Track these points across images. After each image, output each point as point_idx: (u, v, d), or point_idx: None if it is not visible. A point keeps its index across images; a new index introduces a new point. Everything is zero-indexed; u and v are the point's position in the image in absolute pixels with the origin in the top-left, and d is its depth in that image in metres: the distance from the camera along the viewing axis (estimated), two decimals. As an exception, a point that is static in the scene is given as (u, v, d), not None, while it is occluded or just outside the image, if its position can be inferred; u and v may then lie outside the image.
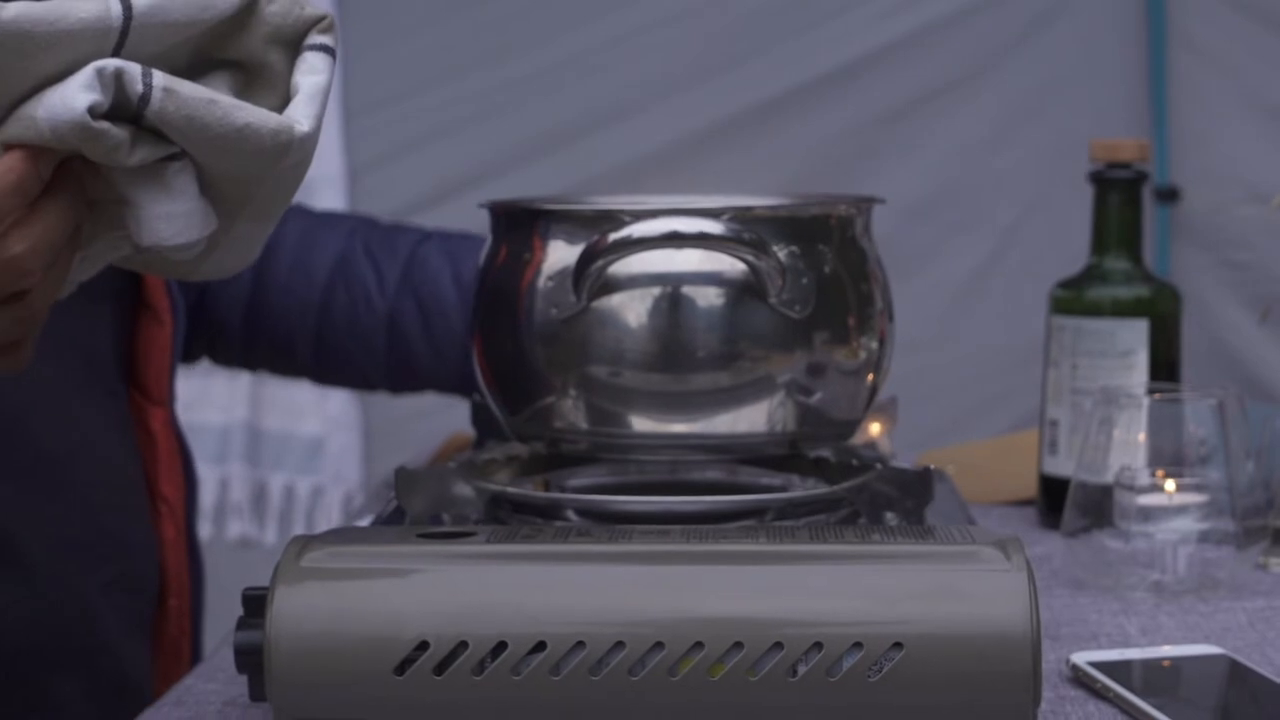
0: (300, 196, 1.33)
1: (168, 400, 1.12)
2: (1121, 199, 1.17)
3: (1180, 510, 1.00)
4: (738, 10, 2.40)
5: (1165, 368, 1.15)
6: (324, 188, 2.45)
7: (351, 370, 1.27)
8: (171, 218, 0.70)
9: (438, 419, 1.73)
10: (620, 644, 0.69)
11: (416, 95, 2.37)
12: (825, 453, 0.94)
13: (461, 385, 1.23)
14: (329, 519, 2.47)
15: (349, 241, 1.24)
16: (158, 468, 1.10)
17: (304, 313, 1.23)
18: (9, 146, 0.67)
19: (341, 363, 1.26)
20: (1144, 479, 1.00)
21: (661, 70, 2.40)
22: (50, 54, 0.66)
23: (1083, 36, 2.41)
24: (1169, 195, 2.34)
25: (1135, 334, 1.14)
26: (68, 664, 1.03)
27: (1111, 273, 1.17)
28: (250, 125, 0.68)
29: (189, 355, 1.26)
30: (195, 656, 1.15)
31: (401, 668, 0.69)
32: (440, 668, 0.69)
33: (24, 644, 0.99)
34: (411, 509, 0.89)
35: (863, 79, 2.42)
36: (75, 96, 0.66)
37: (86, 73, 0.66)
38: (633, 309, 0.84)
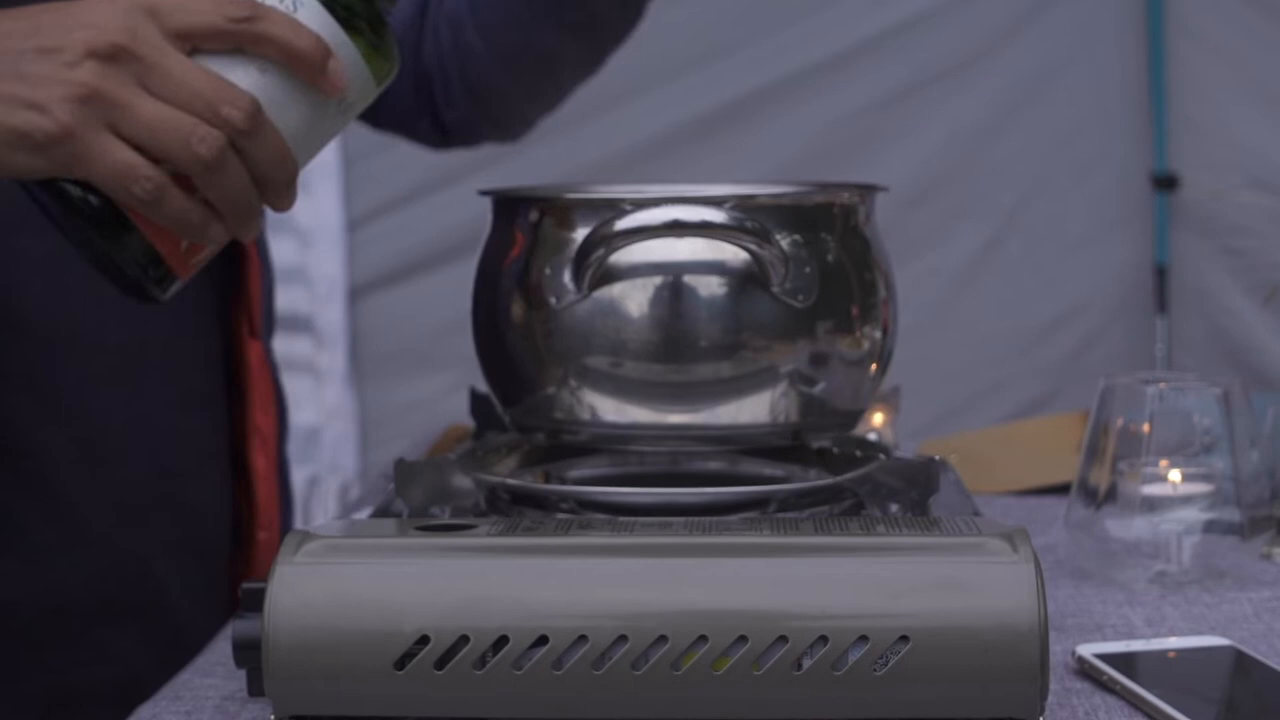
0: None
1: (263, 335, 1.17)
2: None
3: (1185, 500, 1.00)
4: (735, -3, 2.40)
5: None
6: (319, 175, 2.44)
7: None
8: None
9: (434, 409, 1.72)
10: (623, 638, 0.68)
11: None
12: (828, 443, 0.93)
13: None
14: (325, 509, 2.47)
15: None
16: (253, 399, 1.15)
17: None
18: None
19: None
20: (1148, 469, 1.00)
21: (659, 57, 2.39)
22: None
23: (1082, 22, 2.41)
24: (1168, 182, 2.33)
25: None
26: (127, 618, 1.06)
27: None
28: None
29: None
30: None
31: (402, 662, 0.69)
32: (441, 662, 0.69)
33: (82, 599, 1.03)
34: (410, 501, 0.89)
35: (860, 65, 2.42)
36: None
37: None
38: (634, 298, 0.83)
